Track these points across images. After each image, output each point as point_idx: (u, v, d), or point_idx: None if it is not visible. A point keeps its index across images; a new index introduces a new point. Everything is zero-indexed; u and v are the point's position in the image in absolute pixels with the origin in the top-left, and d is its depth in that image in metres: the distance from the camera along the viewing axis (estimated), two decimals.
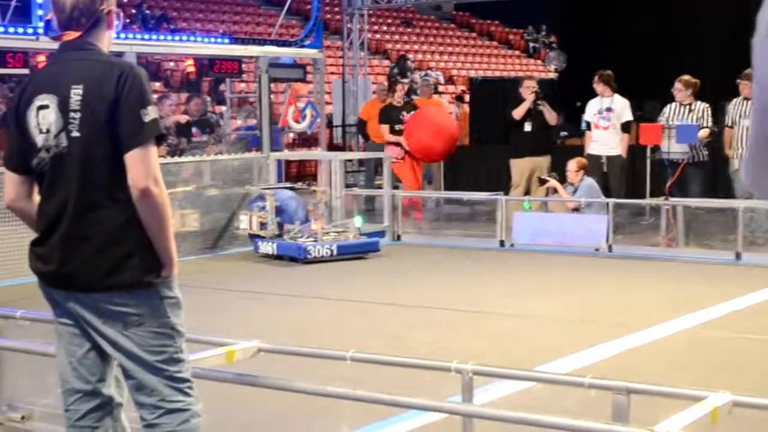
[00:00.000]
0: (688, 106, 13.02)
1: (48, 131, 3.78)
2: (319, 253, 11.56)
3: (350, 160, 19.65)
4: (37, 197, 3.92)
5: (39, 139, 3.80)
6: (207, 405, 3.98)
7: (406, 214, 14.31)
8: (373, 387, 4.81)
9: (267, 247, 11.93)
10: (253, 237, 12.14)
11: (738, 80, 12.77)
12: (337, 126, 23.40)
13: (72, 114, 3.74)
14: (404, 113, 15.34)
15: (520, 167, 14.18)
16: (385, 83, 21.14)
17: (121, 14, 3.98)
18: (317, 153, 14.93)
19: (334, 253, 11.65)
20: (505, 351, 7.40)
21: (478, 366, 4.61)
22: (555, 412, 4.37)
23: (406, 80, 28.76)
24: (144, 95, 3.72)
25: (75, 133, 3.74)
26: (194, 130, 14.18)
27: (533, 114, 13.97)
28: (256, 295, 9.85)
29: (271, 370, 5.13)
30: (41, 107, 3.79)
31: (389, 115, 15.50)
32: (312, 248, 11.55)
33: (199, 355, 4.78)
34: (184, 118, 14.02)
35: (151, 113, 3.71)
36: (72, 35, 3.85)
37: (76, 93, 3.73)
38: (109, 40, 3.95)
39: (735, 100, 12.90)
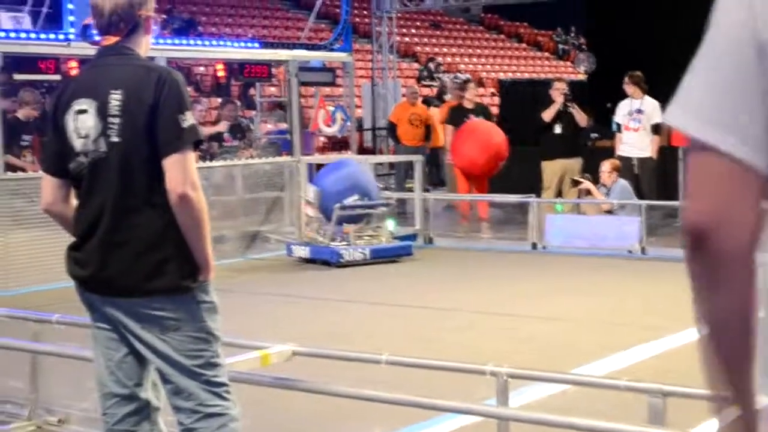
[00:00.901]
0: None
1: (87, 136, 3.79)
2: (352, 257, 11.54)
3: (381, 164, 19.65)
4: (74, 201, 3.94)
5: (77, 144, 3.82)
6: (241, 408, 3.98)
7: (465, 218, 14.19)
8: (406, 390, 4.82)
9: (300, 251, 11.92)
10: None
11: None
12: (367, 129, 23.40)
13: (111, 119, 3.75)
14: (471, 116, 14.89)
15: (551, 169, 14.12)
16: (416, 86, 21.12)
17: (159, 20, 4.00)
18: (348, 156, 14.92)
19: (368, 257, 11.62)
20: (538, 354, 7.38)
21: (514, 369, 4.60)
22: (590, 415, 4.36)
23: (435, 83, 28.76)
24: (182, 101, 3.74)
25: (114, 138, 3.75)
26: (225, 135, 14.22)
27: (563, 116, 13.91)
28: (287, 299, 9.86)
29: (301, 373, 5.13)
30: (80, 111, 3.81)
31: (456, 116, 15.11)
32: (345, 252, 11.53)
33: (234, 358, 4.79)
34: (224, 126, 14.05)
35: (189, 119, 3.73)
36: (110, 40, 3.87)
37: (116, 98, 3.75)
38: (147, 45, 3.97)
39: None
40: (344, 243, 11.70)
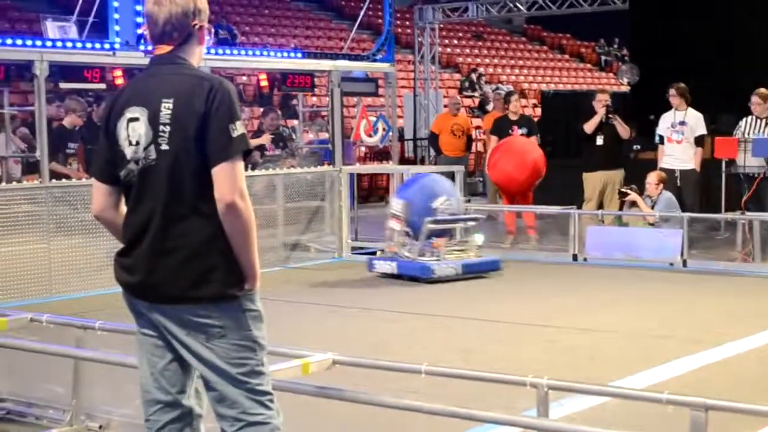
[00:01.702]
0: (764, 120, 12.86)
1: (137, 143, 3.83)
2: (444, 273, 11.06)
3: None
4: (123, 208, 3.97)
5: (128, 151, 3.85)
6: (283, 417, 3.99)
7: (511, 231, 14.09)
8: (446, 400, 4.82)
9: (385, 266, 11.44)
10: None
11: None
12: (408, 139, 23.43)
13: (162, 127, 3.78)
14: (515, 127, 14.94)
15: (592, 181, 14.07)
16: (458, 97, 21.10)
17: (212, 31, 4.03)
18: (389, 166, 14.94)
19: (459, 272, 11.16)
20: (577, 366, 7.36)
21: (555, 380, 4.59)
22: (631, 427, 4.34)
23: (476, 93, 28.75)
24: (233, 110, 3.76)
25: (164, 146, 3.78)
26: (267, 144, 14.27)
27: (605, 127, 13.85)
28: (329, 308, 9.86)
29: (341, 382, 5.14)
30: (132, 119, 3.84)
31: (501, 127, 15.12)
32: (436, 267, 11.06)
33: (274, 366, 4.81)
34: (266, 139, 14.09)
35: (239, 128, 3.75)
36: (164, 49, 3.91)
37: (167, 107, 3.78)
38: (200, 56, 3.99)
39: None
40: (434, 258, 11.22)
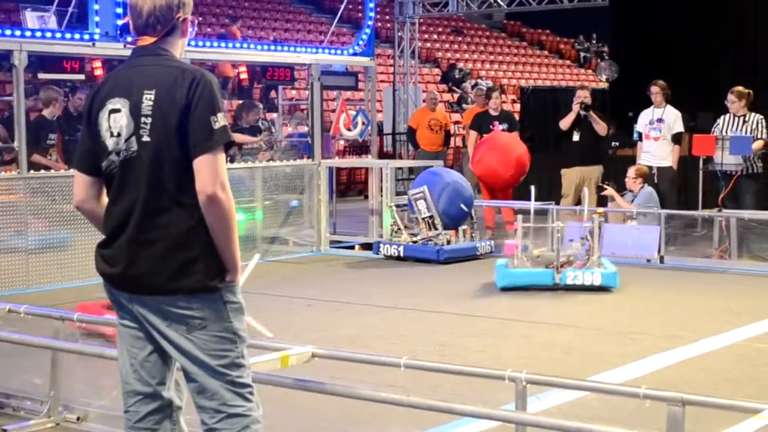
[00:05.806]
0: (741, 118, 12.92)
1: (119, 135, 3.82)
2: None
3: (400, 168, 19.67)
4: (105, 199, 3.96)
5: (110, 143, 3.84)
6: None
7: (490, 227, 14.14)
8: (424, 394, 4.83)
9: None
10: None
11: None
12: (387, 134, 23.44)
13: (143, 119, 3.78)
14: (496, 123, 14.95)
15: (569, 177, 14.13)
16: (436, 92, 21.14)
17: (196, 22, 4.02)
18: (368, 160, 14.95)
19: None
20: (554, 361, 7.39)
21: (533, 375, 4.61)
22: (609, 422, 4.36)
23: (456, 89, 28.78)
24: (214, 102, 3.75)
25: (145, 138, 3.78)
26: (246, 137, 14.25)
27: (582, 124, 13.90)
28: (307, 302, 9.87)
29: (320, 375, 5.14)
30: (113, 111, 3.84)
31: (481, 123, 15.15)
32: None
33: (253, 359, 4.81)
34: (263, 138, 14.03)
35: (220, 120, 3.74)
36: (147, 41, 3.89)
37: (148, 98, 3.77)
38: (182, 48, 3.98)
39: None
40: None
